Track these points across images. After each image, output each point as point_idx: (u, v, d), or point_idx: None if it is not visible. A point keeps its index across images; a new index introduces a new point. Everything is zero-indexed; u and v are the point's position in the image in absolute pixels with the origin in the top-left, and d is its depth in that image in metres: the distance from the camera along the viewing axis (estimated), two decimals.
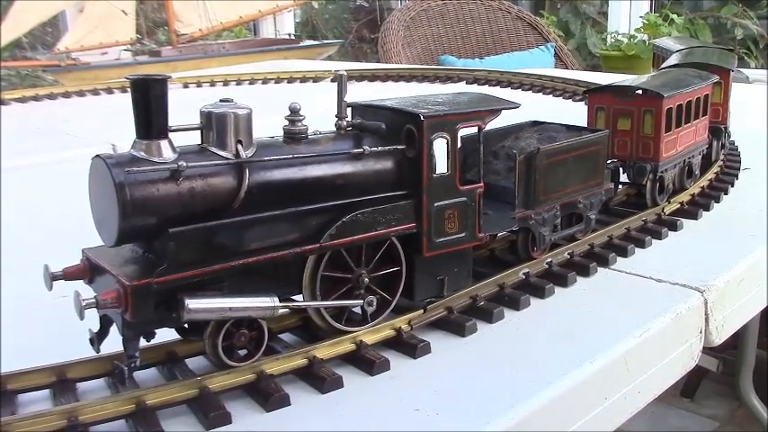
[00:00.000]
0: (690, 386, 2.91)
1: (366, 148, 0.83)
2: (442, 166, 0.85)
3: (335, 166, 0.81)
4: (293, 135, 0.81)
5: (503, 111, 0.92)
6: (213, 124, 0.75)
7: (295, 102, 0.81)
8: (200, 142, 0.76)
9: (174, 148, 0.73)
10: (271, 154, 0.77)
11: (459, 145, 0.87)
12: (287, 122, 0.81)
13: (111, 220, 0.69)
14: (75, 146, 2.00)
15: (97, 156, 0.71)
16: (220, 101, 0.76)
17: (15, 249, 1.22)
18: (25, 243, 1.28)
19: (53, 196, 1.61)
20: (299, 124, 0.81)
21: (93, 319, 0.74)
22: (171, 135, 0.73)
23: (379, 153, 0.84)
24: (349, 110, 0.88)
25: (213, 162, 0.73)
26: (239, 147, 0.75)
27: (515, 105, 0.93)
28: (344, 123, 0.86)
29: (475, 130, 0.90)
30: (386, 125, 0.85)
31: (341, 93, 0.85)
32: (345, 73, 0.85)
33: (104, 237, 0.72)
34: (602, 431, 0.84)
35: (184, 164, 0.70)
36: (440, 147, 0.85)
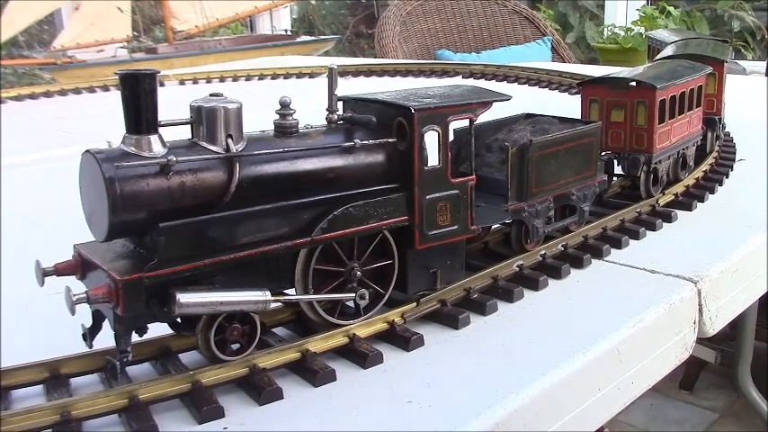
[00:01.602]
0: (688, 378, 2.91)
1: (357, 141, 0.82)
2: (433, 159, 0.85)
3: (326, 160, 0.81)
4: (284, 129, 0.81)
5: (495, 103, 0.92)
6: (203, 119, 0.75)
7: (285, 95, 0.80)
8: (190, 137, 0.76)
9: (164, 143, 0.73)
10: (261, 148, 0.77)
11: (451, 138, 0.88)
12: (277, 117, 0.81)
13: (102, 215, 0.69)
14: (72, 143, 2.00)
15: (87, 151, 0.71)
16: (210, 95, 0.76)
17: (10, 246, 1.22)
18: (21, 239, 1.28)
19: (49, 193, 1.61)
20: (290, 118, 0.81)
21: (86, 315, 0.74)
22: (161, 130, 0.73)
23: (370, 146, 0.84)
24: (340, 103, 0.88)
25: (203, 156, 0.73)
26: (229, 141, 0.75)
27: (507, 97, 0.93)
28: (335, 117, 0.86)
29: (466, 122, 0.90)
30: (377, 118, 0.85)
31: (331, 86, 0.85)
32: (336, 66, 0.84)
33: (95, 232, 0.72)
34: (595, 421, 0.84)
35: (174, 158, 0.70)
36: (431, 139, 0.85)
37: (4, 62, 6.45)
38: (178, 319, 0.77)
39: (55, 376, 0.75)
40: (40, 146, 2.03)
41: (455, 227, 0.88)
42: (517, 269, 1.01)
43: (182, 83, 3.07)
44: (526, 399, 0.75)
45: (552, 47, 4.57)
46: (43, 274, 0.74)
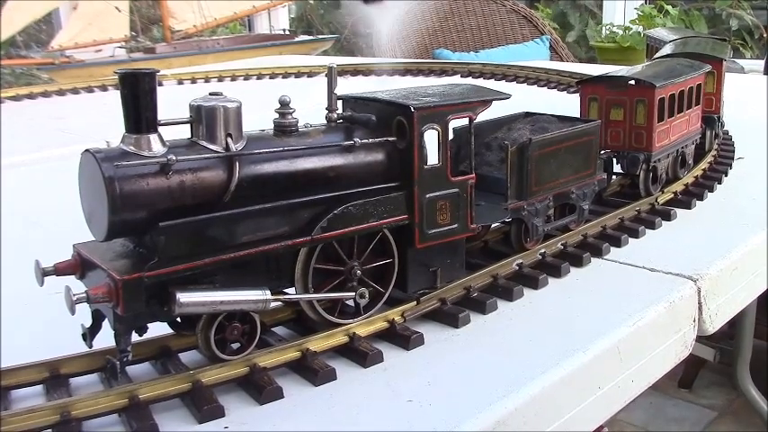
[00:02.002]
0: (687, 376, 2.92)
1: (357, 140, 0.82)
2: (433, 158, 0.85)
3: (326, 159, 0.81)
4: (283, 128, 0.81)
5: (494, 102, 0.92)
6: (203, 118, 0.75)
7: (285, 95, 0.80)
8: (190, 136, 0.76)
9: (163, 142, 0.73)
10: (261, 147, 0.77)
11: (450, 136, 0.87)
12: (277, 116, 0.81)
13: (101, 214, 0.69)
14: (71, 143, 2.00)
15: (86, 150, 0.71)
16: (210, 94, 0.76)
17: (10, 246, 1.21)
18: (20, 240, 1.28)
19: (49, 193, 1.60)
20: (290, 117, 0.81)
21: (85, 315, 0.74)
22: (161, 129, 0.73)
23: (370, 145, 0.84)
24: (340, 102, 0.88)
25: (203, 156, 0.73)
26: (229, 140, 0.74)
27: (506, 96, 0.93)
28: (335, 116, 0.86)
29: (466, 121, 0.90)
30: (377, 117, 0.85)
31: (331, 85, 0.84)
32: (335, 65, 0.84)
33: (95, 231, 0.72)
34: (595, 420, 0.84)
35: (174, 157, 0.70)
36: (431, 138, 0.85)
37: (3, 62, 6.44)
38: (178, 319, 0.77)
39: (55, 376, 0.75)
40: (38, 146, 2.03)
41: (455, 225, 0.88)
42: (517, 268, 1.01)
43: (180, 82, 3.07)
44: (526, 397, 0.75)
45: (550, 46, 4.57)
46: (43, 273, 0.73)
